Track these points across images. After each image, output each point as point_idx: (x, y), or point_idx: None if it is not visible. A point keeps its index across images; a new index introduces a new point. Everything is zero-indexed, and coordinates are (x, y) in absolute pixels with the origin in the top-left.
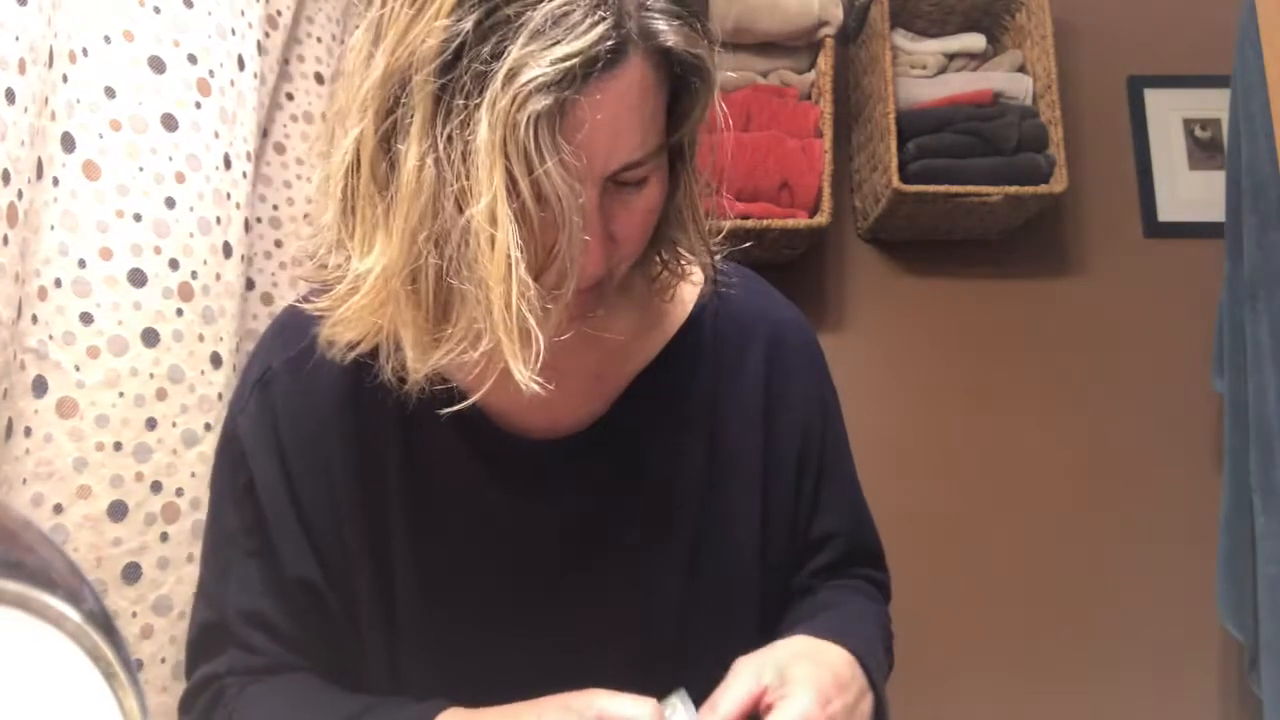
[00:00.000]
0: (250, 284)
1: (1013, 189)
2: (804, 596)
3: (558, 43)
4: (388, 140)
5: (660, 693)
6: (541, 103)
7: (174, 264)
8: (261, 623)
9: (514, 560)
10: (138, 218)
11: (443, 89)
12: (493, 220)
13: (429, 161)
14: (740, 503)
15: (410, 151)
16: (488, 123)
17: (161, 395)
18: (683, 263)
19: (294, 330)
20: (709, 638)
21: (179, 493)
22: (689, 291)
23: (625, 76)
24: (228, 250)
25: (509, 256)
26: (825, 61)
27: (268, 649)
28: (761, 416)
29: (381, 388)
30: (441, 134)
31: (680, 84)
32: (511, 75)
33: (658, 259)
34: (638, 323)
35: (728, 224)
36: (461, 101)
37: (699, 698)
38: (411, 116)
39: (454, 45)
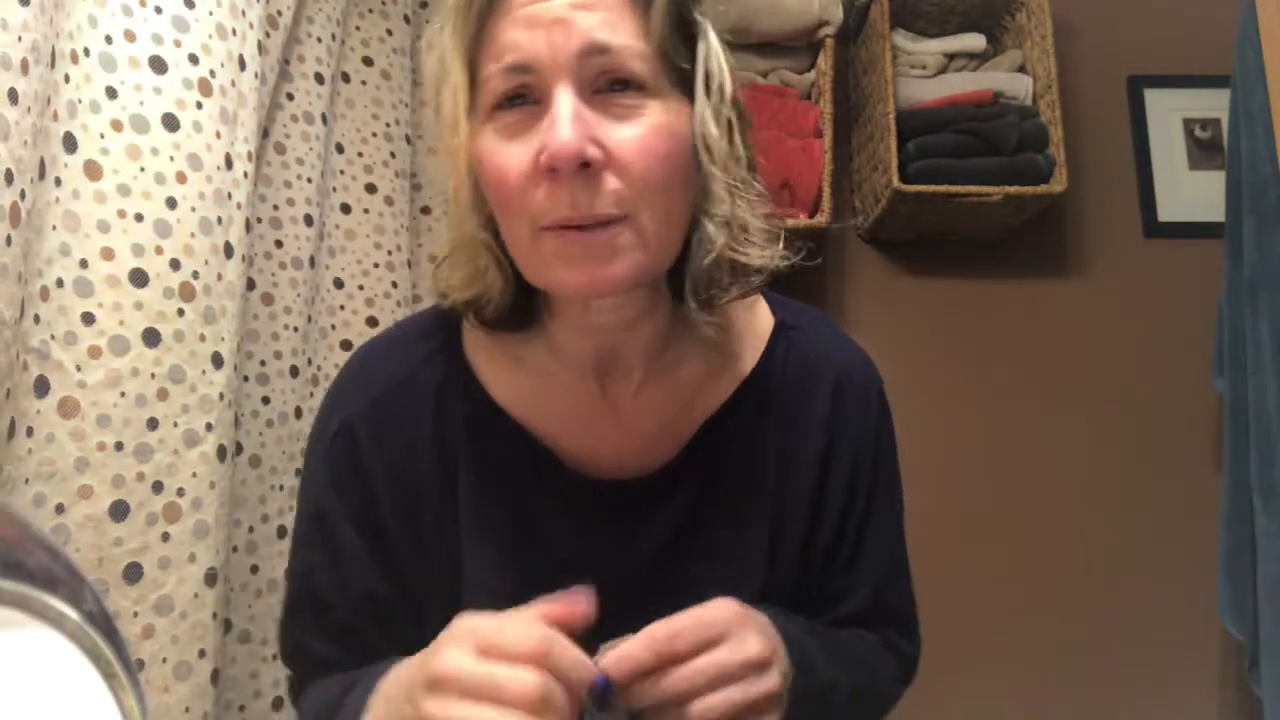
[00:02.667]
0: (251, 284)
1: (1013, 189)
2: None
3: None
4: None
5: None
6: (480, 5)
7: (175, 264)
8: (320, 663)
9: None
10: (139, 218)
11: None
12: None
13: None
14: (792, 550)
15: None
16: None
17: (163, 395)
18: (734, 274)
19: (363, 382)
20: None
21: (180, 493)
22: (759, 335)
23: None
24: (229, 250)
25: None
26: (825, 61)
27: (316, 679)
28: (819, 465)
29: (459, 425)
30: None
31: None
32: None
33: (701, 242)
34: (706, 366)
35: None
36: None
37: None
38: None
39: None
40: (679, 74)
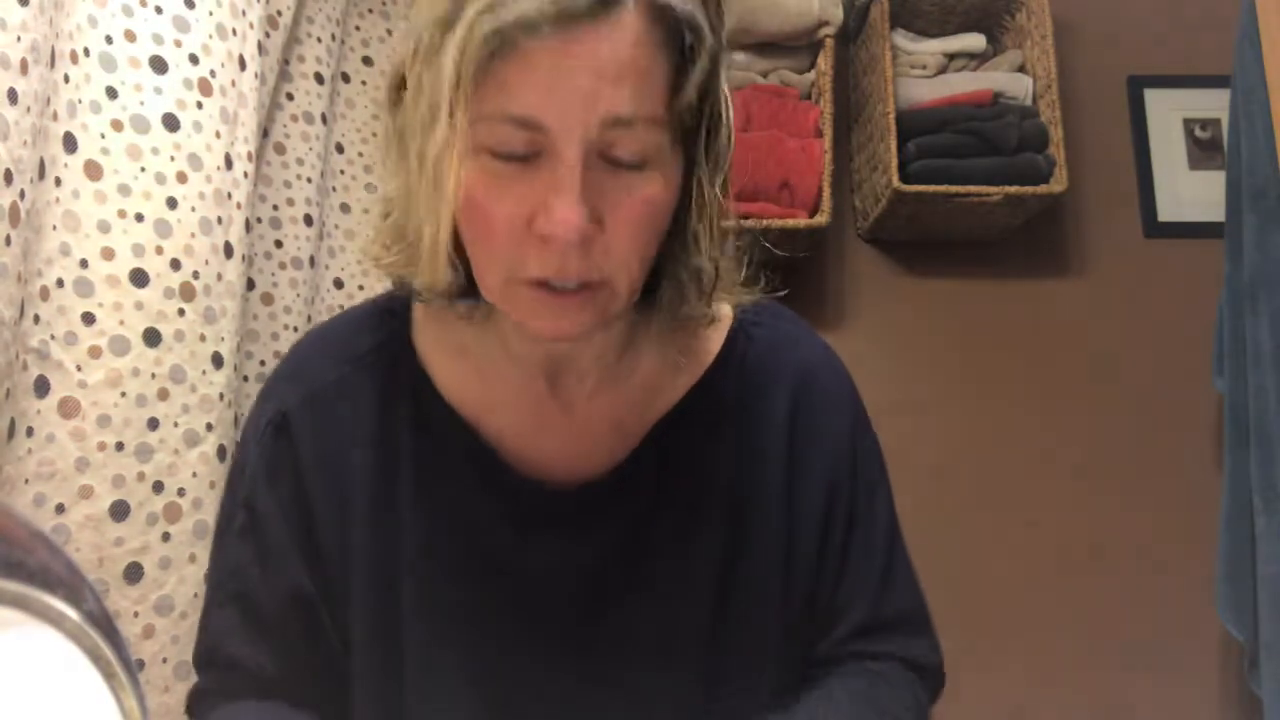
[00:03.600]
0: (251, 284)
1: (1013, 189)
2: (822, 675)
3: None
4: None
5: None
6: (493, 45)
7: (175, 264)
8: (235, 666)
9: (528, 608)
10: (139, 218)
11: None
12: (439, 163)
13: (414, 96)
14: (761, 561)
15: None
16: (449, 61)
17: (163, 395)
18: (703, 295)
19: (310, 373)
20: (730, 703)
21: (181, 493)
22: (716, 333)
23: (614, 25)
24: (229, 250)
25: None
26: (825, 61)
27: (235, 688)
28: (785, 469)
29: (405, 422)
30: (421, 71)
31: (684, 57)
32: (468, 20)
33: (674, 289)
34: (659, 366)
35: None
36: (437, 38)
37: None
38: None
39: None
40: (685, 132)
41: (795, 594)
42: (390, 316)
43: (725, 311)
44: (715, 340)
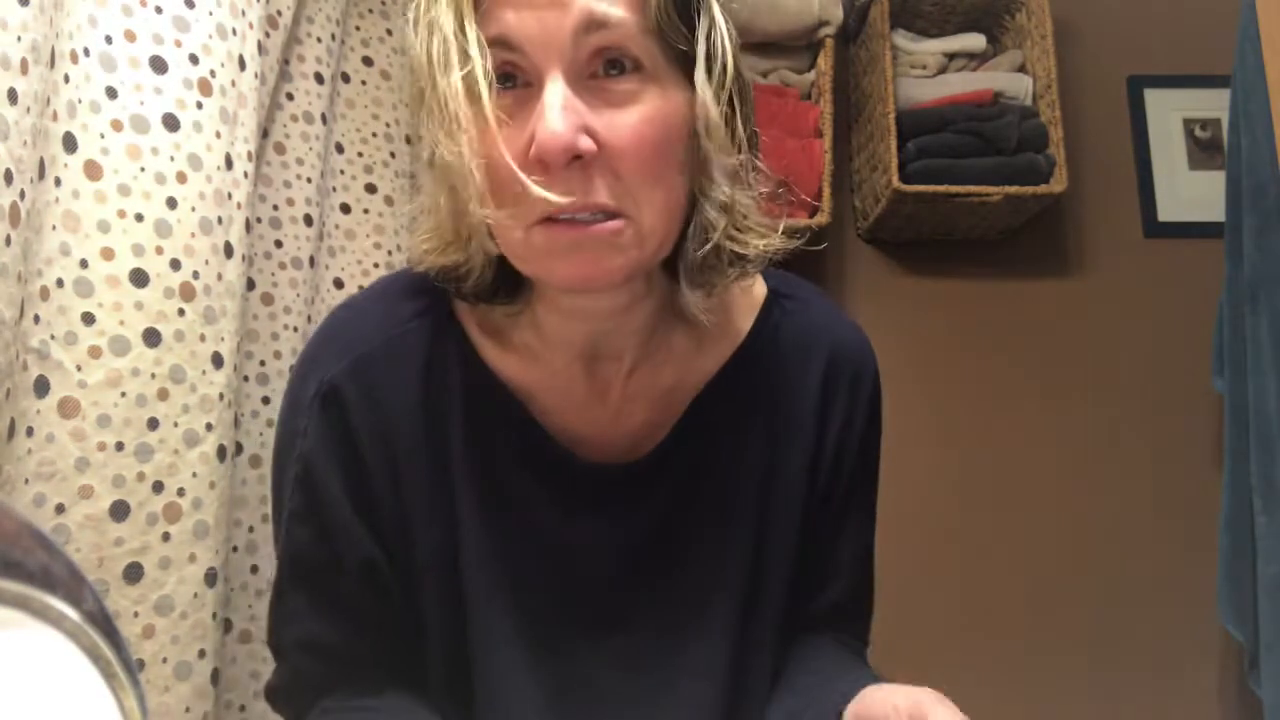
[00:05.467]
0: (250, 284)
1: (1013, 189)
2: (818, 646)
3: None
4: None
5: None
6: None
7: (175, 264)
8: (313, 645)
9: (574, 579)
10: (139, 218)
11: None
12: (452, 90)
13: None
14: (786, 533)
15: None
16: None
17: (163, 395)
18: (732, 262)
19: (353, 341)
20: (758, 660)
21: (180, 493)
22: (748, 308)
23: None
24: (229, 250)
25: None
26: (825, 61)
27: (318, 670)
28: (813, 443)
29: (454, 391)
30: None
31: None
32: None
33: (702, 223)
34: (697, 343)
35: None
36: None
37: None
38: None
39: None
40: (678, 54)
41: (803, 557)
42: (429, 285)
43: (758, 285)
44: (748, 314)
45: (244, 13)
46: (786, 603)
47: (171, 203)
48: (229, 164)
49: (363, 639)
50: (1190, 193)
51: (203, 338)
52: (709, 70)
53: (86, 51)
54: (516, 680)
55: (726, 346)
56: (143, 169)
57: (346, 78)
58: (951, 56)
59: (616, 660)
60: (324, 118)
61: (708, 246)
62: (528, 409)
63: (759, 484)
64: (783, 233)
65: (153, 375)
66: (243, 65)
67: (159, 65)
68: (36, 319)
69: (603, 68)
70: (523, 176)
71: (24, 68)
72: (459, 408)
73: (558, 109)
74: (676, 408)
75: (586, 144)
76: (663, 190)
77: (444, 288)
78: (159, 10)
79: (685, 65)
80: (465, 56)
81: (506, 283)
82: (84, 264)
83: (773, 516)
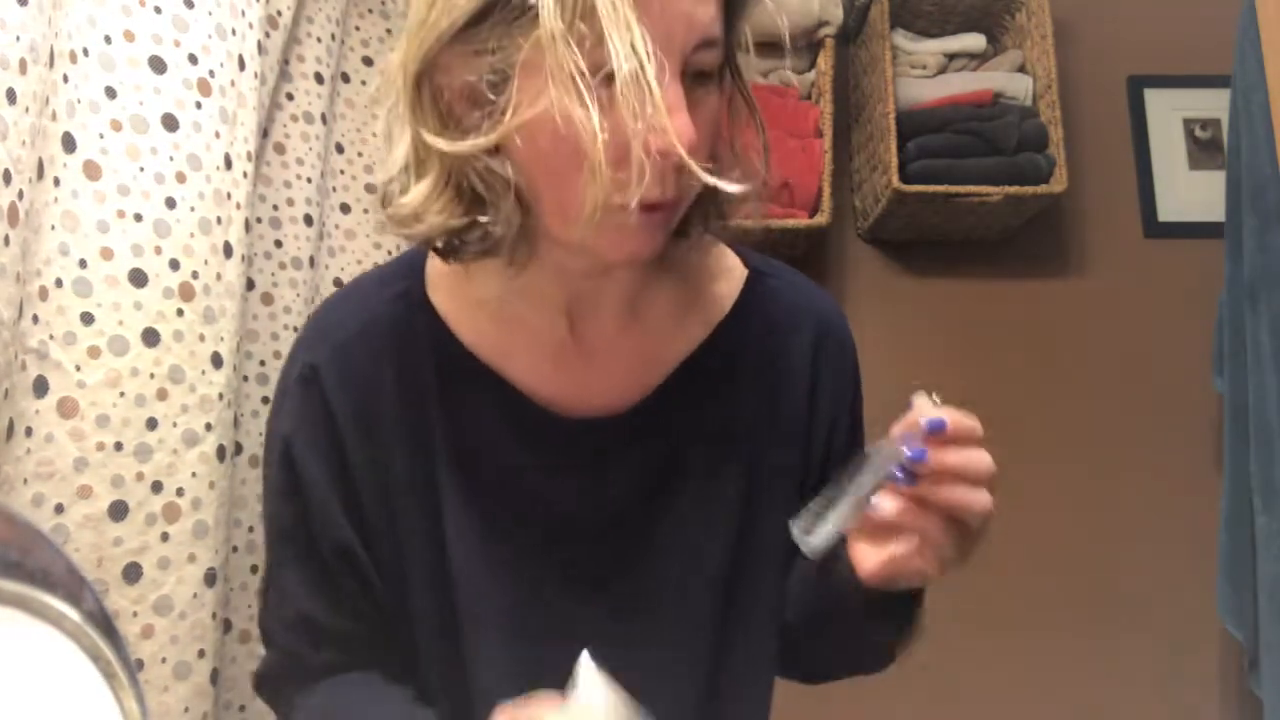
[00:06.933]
0: (250, 284)
1: (1013, 189)
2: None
3: None
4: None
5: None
6: None
7: (175, 264)
8: (303, 624)
9: (558, 538)
10: (138, 218)
11: None
12: (567, 109)
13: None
14: (778, 503)
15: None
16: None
17: (162, 395)
18: (721, 217)
19: (334, 326)
20: (740, 628)
21: (180, 493)
22: (729, 283)
23: None
24: (228, 250)
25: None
26: (825, 61)
27: (308, 652)
28: (805, 414)
29: (426, 369)
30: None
31: None
32: None
33: (710, 195)
34: (679, 309)
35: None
36: None
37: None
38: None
39: None
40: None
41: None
42: (408, 271)
43: (737, 265)
44: (729, 289)
45: (243, 13)
46: (776, 580)
47: (171, 203)
48: (228, 164)
49: (350, 619)
50: (1190, 193)
51: (202, 338)
52: (745, 56)
53: (86, 51)
54: (503, 651)
55: (710, 319)
56: (142, 169)
57: (346, 78)
58: (951, 56)
59: (601, 619)
60: (324, 118)
61: (723, 219)
62: (504, 372)
63: (747, 452)
64: (782, 232)
65: (152, 375)
66: (242, 65)
67: (158, 65)
68: (35, 319)
69: (694, 72)
70: (692, 164)
71: (23, 67)
72: (434, 383)
73: (685, 113)
74: (658, 374)
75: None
76: (713, 177)
77: (418, 269)
78: (158, 10)
79: (729, 56)
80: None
81: (512, 244)
82: (83, 264)
83: (761, 485)
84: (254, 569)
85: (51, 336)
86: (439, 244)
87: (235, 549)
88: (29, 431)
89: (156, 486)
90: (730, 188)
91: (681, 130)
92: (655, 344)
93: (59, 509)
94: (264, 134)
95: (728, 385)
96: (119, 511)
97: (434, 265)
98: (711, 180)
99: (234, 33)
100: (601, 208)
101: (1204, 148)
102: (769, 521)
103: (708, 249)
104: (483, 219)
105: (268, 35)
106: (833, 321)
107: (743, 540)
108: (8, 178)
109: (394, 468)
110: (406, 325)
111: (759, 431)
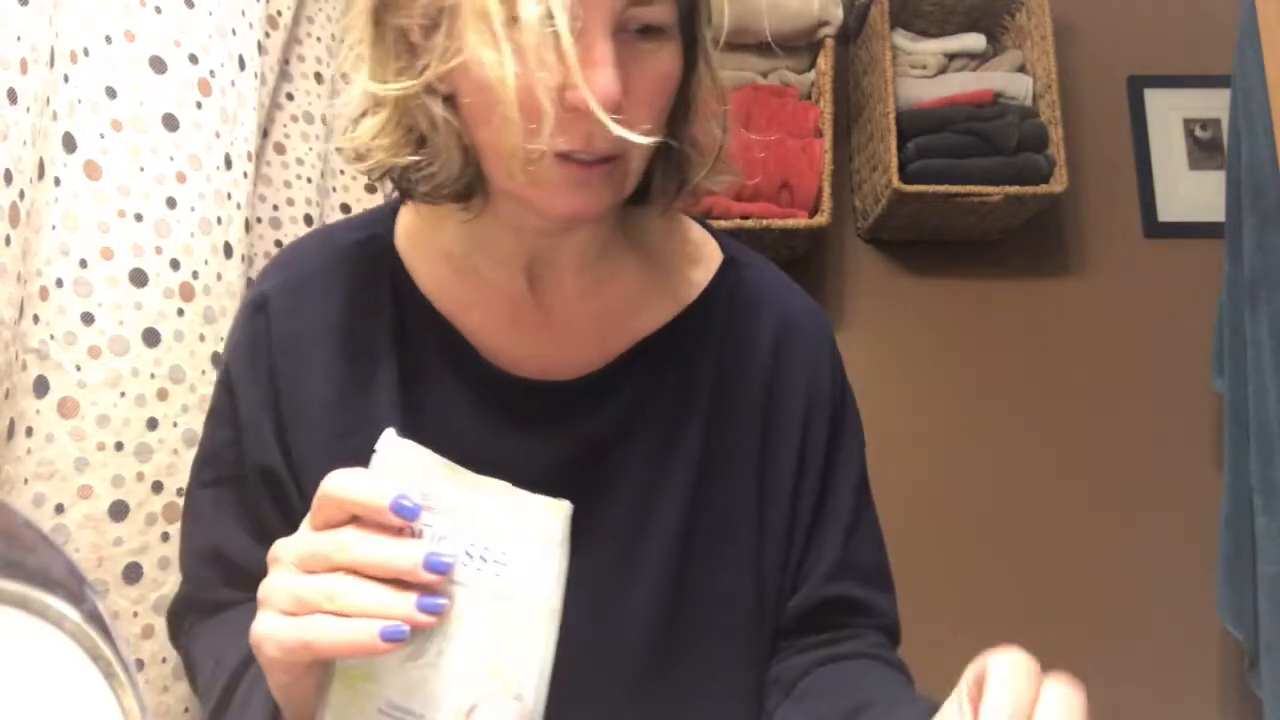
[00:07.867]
0: (250, 284)
1: (1013, 189)
2: (830, 646)
3: None
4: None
5: None
6: None
7: (175, 264)
8: (215, 557)
9: None
10: (139, 218)
11: None
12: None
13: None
14: (736, 497)
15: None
16: None
17: (163, 395)
18: (701, 162)
19: (294, 260)
20: (698, 612)
21: (180, 493)
22: (706, 265)
23: None
24: (229, 250)
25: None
26: (825, 61)
27: (218, 587)
28: (761, 407)
29: (383, 314)
30: None
31: None
32: None
33: (674, 158)
34: (646, 284)
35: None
36: None
37: None
38: None
39: None
40: (684, 11)
41: (770, 535)
42: (378, 219)
43: (714, 250)
44: (705, 272)
45: (244, 13)
46: (742, 568)
47: (171, 202)
48: (229, 164)
49: (263, 556)
50: (1190, 193)
51: (202, 338)
52: (709, 21)
53: (86, 51)
54: None
55: (679, 300)
56: (142, 169)
57: (346, 78)
58: (951, 56)
59: None
60: (324, 118)
61: (687, 187)
62: (460, 325)
63: (700, 431)
64: (782, 232)
65: (152, 375)
66: (243, 65)
67: (159, 65)
68: (36, 319)
69: (635, 28)
70: (603, 115)
71: (23, 67)
72: (388, 327)
73: (610, 68)
74: (619, 346)
75: (622, 99)
76: (654, 136)
77: (389, 216)
78: (159, 10)
79: (688, 18)
80: None
81: (461, 189)
82: (83, 264)
83: (718, 460)
84: None
85: (52, 336)
86: (392, 181)
87: None
88: (29, 431)
89: (157, 486)
90: (638, 139)
91: (601, 85)
92: (620, 318)
93: (59, 509)
94: (264, 134)
95: (686, 366)
96: (119, 511)
97: (404, 216)
98: (620, 131)
99: (234, 33)
100: (520, 156)
101: (1204, 148)
102: (723, 506)
103: (685, 233)
104: (424, 159)
105: (268, 35)
106: (800, 318)
107: (696, 512)
108: (9, 178)
109: (334, 404)
110: (368, 268)
111: (719, 406)
